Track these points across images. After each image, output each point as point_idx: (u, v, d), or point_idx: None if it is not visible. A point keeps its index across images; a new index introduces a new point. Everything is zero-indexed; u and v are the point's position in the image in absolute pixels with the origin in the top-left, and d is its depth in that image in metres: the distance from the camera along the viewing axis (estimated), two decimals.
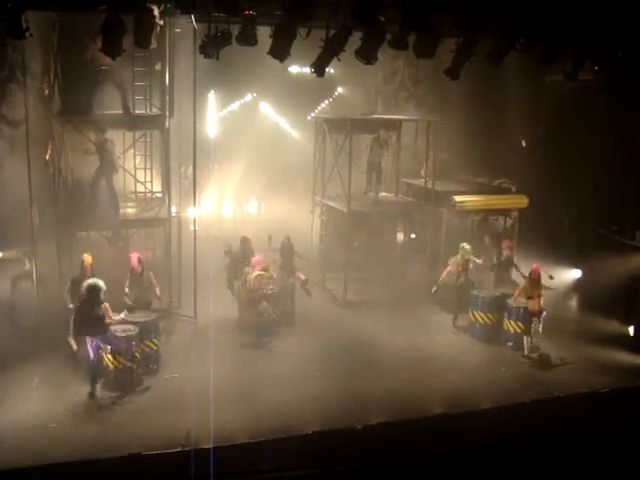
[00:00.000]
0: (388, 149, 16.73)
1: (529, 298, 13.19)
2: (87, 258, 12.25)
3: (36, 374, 11.57)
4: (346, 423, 10.10)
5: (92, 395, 11.00)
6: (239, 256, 14.83)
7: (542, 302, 13.19)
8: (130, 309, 11.99)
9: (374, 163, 16.42)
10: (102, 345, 11.10)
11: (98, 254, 12.88)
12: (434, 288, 14.91)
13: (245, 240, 15.10)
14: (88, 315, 10.94)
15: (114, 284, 11.99)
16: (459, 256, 14.62)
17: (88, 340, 11.05)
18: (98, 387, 11.22)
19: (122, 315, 11.54)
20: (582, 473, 8.91)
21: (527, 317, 13.27)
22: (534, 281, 13.23)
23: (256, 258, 14.05)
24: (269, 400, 11.06)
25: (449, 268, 14.73)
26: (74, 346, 11.83)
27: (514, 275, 14.90)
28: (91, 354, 11.08)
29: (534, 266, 13.35)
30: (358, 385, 11.73)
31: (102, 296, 11.00)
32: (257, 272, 13.66)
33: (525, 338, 13.29)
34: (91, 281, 11.12)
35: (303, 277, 14.95)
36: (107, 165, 13.70)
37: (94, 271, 12.20)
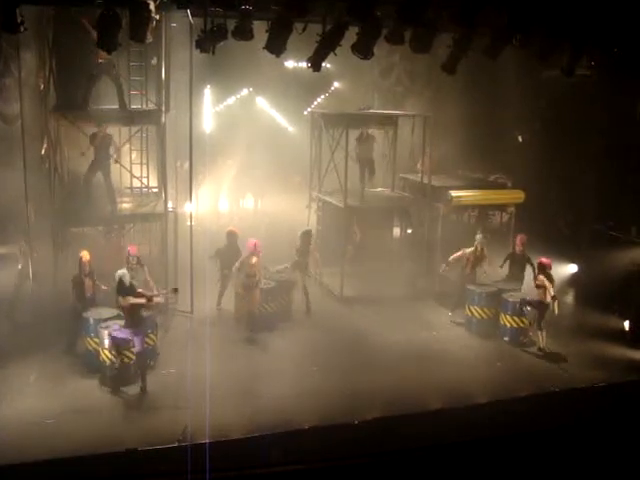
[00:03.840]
0: (373, 143, 16.74)
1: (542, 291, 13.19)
2: (85, 254, 12.23)
3: (33, 370, 11.55)
4: (343, 418, 10.12)
5: (143, 389, 11.10)
6: (226, 251, 14.59)
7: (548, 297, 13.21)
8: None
9: (364, 159, 16.44)
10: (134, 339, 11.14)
11: (94, 249, 12.85)
12: (443, 267, 14.86)
13: (232, 234, 14.73)
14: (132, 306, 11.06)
15: (109, 279, 12.02)
16: (471, 248, 14.55)
17: (125, 331, 11.11)
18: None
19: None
20: (578, 467, 8.94)
21: (542, 310, 13.25)
22: (549, 274, 13.23)
23: (254, 241, 13.65)
24: (266, 395, 11.08)
25: (459, 254, 14.60)
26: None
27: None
28: (138, 346, 11.11)
29: (544, 259, 13.31)
30: (355, 380, 11.74)
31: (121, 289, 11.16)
32: (255, 258, 13.55)
33: (540, 332, 13.30)
34: (124, 271, 11.30)
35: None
36: (105, 160, 13.67)
37: (92, 267, 12.20)
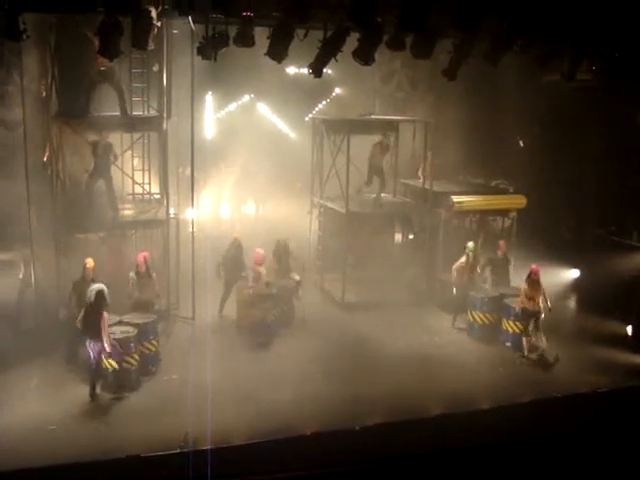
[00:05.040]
0: (388, 153, 16.79)
1: (529, 299, 13.18)
2: (89, 262, 12.22)
3: (34, 376, 11.57)
4: (344, 424, 10.10)
5: (92, 397, 11.01)
6: (231, 258, 14.75)
7: (541, 303, 13.17)
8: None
9: (376, 167, 16.46)
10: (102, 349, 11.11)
11: (96, 256, 12.85)
12: (454, 290, 14.76)
13: (236, 241, 14.93)
14: (93, 319, 10.99)
15: (112, 285, 12.02)
16: (465, 256, 14.60)
17: (89, 343, 11.05)
18: (98, 389, 11.23)
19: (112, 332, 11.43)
20: (580, 473, 8.92)
21: (525, 317, 13.28)
22: (534, 282, 13.21)
23: (260, 253, 13.86)
24: (267, 401, 11.07)
25: (456, 268, 14.66)
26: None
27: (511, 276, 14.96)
28: (91, 356, 11.09)
29: (533, 267, 13.31)
30: (356, 386, 11.73)
31: (107, 302, 11.13)
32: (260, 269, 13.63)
33: (524, 339, 13.30)
34: (98, 286, 11.20)
35: (298, 278, 14.87)
36: (106, 167, 13.70)
37: (95, 275, 12.19)
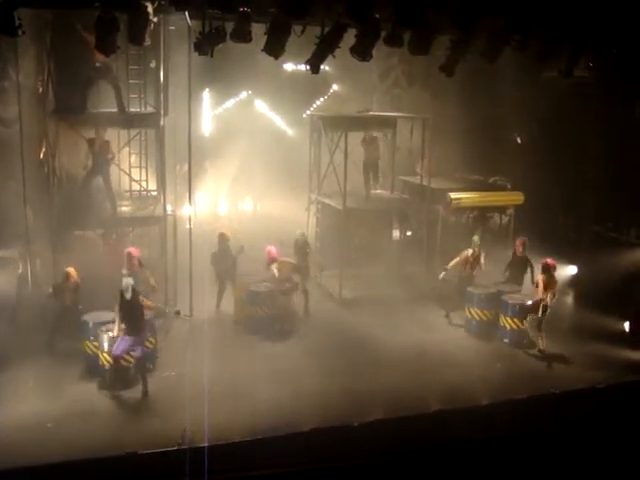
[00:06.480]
0: (378, 146, 16.76)
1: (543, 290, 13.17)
2: (72, 271, 12.19)
3: (32, 374, 11.52)
4: (343, 420, 10.10)
5: (145, 393, 11.09)
6: (219, 255, 14.64)
7: (549, 297, 13.15)
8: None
9: (369, 163, 16.47)
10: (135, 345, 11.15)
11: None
12: (442, 274, 14.62)
13: (223, 237, 14.71)
14: (133, 314, 11.07)
15: (109, 282, 12.00)
16: (471, 250, 14.55)
17: (126, 339, 11.03)
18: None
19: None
20: (578, 469, 8.94)
21: (534, 309, 13.25)
22: (552, 275, 13.19)
23: (273, 250, 14.03)
24: (265, 398, 11.05)
25: (457, 260, 14.59)
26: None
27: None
28: (118, 350, 11.03)
29: (550, 260, 13.26)
30: (355, 382, 11.73)
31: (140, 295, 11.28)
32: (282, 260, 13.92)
33: (539, 334, 13.25)
34: (131, 281, 11.17)
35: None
36: (104, 164, 13.66)
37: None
